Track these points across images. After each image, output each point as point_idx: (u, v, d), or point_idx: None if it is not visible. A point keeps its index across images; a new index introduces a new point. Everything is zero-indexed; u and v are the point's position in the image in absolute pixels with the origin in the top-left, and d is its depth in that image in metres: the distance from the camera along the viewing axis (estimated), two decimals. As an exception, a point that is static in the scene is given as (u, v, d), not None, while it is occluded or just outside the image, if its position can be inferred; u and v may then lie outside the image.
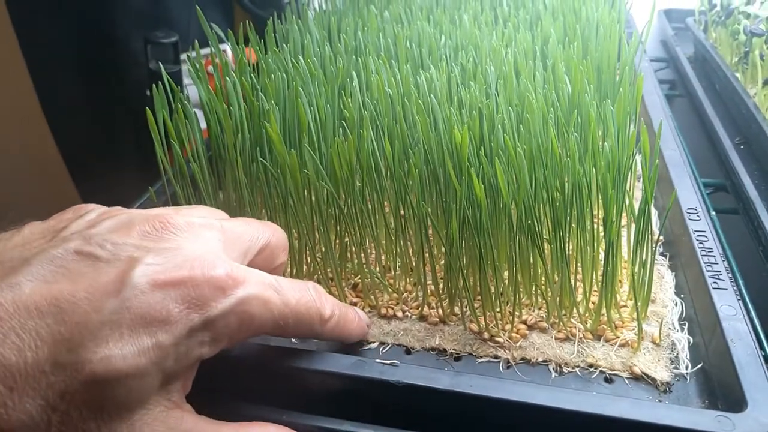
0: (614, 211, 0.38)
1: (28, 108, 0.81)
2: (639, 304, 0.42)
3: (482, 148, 0.40)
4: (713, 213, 0.61)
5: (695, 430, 0.32)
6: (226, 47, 0.56)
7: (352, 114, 0.43)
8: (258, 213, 0.46)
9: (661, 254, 0.51)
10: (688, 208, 0.49)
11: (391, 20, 0.64)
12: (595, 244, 0.42)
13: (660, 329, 0.42)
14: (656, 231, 0.53)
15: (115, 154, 0.88)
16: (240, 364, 0.37)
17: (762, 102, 0.70)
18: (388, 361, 0.36)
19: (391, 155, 0.41)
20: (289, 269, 0.46)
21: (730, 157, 0.64)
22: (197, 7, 0.51)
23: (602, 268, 0.40)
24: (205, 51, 0.58)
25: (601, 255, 0.42)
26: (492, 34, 0.60)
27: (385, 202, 0.45)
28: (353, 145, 0.40)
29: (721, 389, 0.37)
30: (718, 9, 0.88)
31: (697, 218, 0.48)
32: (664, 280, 0.48)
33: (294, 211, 0.43)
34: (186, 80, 0.76)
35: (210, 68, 0.55)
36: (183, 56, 0.74)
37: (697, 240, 0.46)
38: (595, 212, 0.45)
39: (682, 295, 0.46)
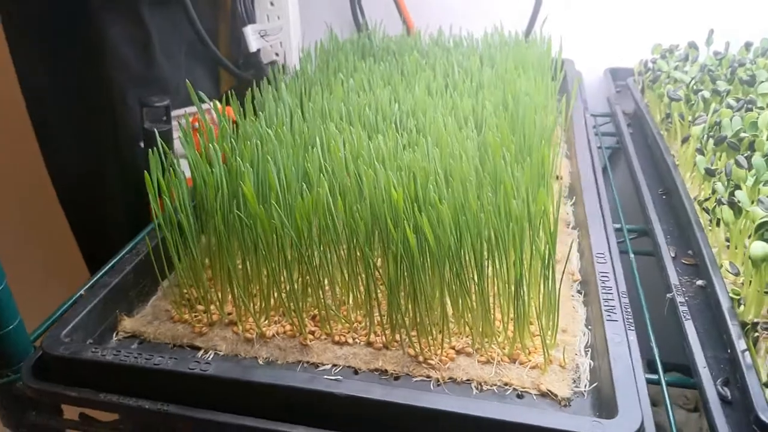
0: (519, 256, 0.47)
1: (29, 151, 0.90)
2: (550, 333, 0.51)
3: (416, 203, 0.50)
4: (632, 255, 0.70)
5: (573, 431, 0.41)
6: (223, 109, 0.65)
7: (312, 176, 0.52)
8: (234, 254, 0.54)
9: (578, 291, 0.60)
10: (597, 253, 0.59)
11: (355, 88, 0.74)
12: (511, 284, 0.51)
13: (563, 354, 0.51)
14: (576, 272, 0.63)
15: (106, 196, 0.97)
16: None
17: (681, 158, 0.81)
18: (334, 378, 0.44)
19: (343, 208, 0.50)
20: (259, 303, 0.55)
21: (647, 207, 0.73)
22: (187, 81, 0.60)
23: (516, 303, 0.49)
24: (194, 108, 0.67)
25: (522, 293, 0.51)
26: (440, 100, 0.70)
27: (342, 246, 0.54)
28: (311, 202, 0.49)
29: (606, 401, 0.46)
30: (650, 73, 0.99)
31: (603, 261, 0.57)
32: (577, 314, 0.57)
33: (264, 253, 0.52)
34: (175, 133, 0.85)
35: (197, 124, 0.64)
36: (173, 112, 0.83)
37: (600, 280, 0.55)
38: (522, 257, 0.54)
39: (589, 326, 0.55)
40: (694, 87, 0.86)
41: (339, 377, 0.44)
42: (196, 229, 0.57)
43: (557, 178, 0.81)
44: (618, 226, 0.75)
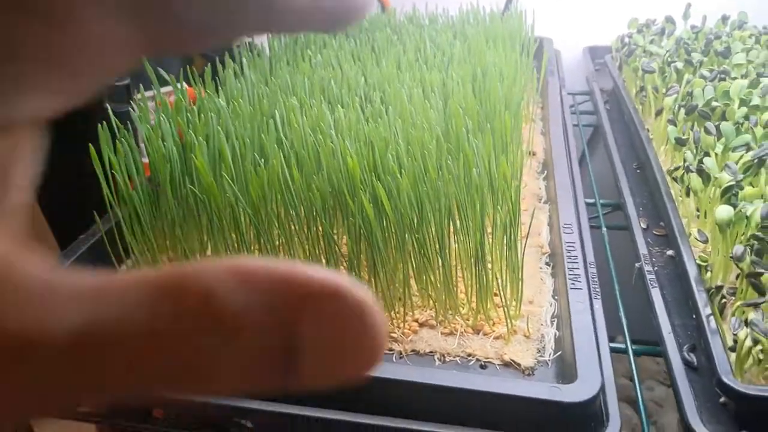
0: (479, 226, 0.46)
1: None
2: (514, 304, 0.50)
3: (374, 173, 0.48)
4: (605, 229, 0.70)
5: (532, 397, 0.40)
6: (181, 85, 0.63)
7: (267, 148, 0.51)
8: (190, 233, 0.53)
9: (547, 264, 0.59)
10: (564, 224, 0.57)
11: (323, 64, 0.73)
12: (473, 254, 0.50)
13: (528, 324, 0.50)
14: (545, 244, 0.61)
15: (78, 180, 0.95)
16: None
17: (654, 131, 0.79)
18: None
19: (299, 180, 0.49)
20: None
21: (620, 180, 0.72)
22: (145, 60, 0.58)
23: (477, 274, 0.48)
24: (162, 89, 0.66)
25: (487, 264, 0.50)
26: (408, 74, 0.69)
27: (303, 221, 0.53)
28: (264, 174, 0.47)
29: (568, 368, 0.45)
30: (626, 48, 0.98)
31: (570, 232, 0.56)
32: (544, 285, 0.56)
33: (218, 228, 0.51)
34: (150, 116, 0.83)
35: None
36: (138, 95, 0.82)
37: (566, 250, 0.54)
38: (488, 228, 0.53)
39: (556, 297, 0.54)
40: (668, 59, 0.84)
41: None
42: (151, 211, 0.56)
43: (531, 154, 0.79)
44: (592, 201, 0.74)
